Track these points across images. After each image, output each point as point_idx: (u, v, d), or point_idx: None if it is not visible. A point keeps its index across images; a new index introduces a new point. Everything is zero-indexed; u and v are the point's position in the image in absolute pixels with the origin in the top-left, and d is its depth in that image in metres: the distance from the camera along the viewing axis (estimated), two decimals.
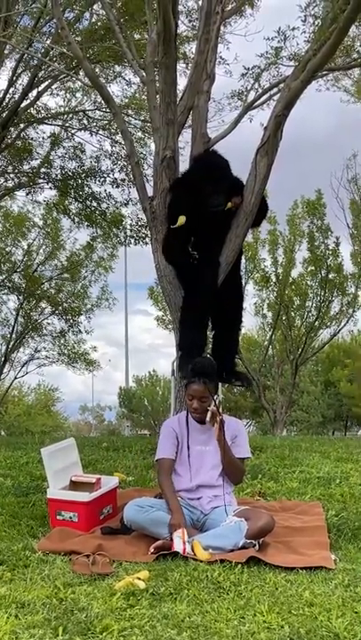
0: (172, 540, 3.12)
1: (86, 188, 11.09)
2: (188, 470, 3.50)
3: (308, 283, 15.78)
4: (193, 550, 3.04)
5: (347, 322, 16.05)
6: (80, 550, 3.05)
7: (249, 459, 3.92)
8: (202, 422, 3.52)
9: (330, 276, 15.36)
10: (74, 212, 11.83)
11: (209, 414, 3.40)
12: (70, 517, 3.51)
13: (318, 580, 2.72)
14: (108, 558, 2.99)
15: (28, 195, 12.07)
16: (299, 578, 2.75)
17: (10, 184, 11.92)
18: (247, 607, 2.42)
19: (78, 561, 2.96)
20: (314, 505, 4.00)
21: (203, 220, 4.39)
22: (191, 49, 8.24)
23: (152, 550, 3.11)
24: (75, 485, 3.73)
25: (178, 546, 3.04)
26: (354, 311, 15.83)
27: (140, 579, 2.66)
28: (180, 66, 8.08)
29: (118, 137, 10.16)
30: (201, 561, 2.94)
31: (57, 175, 11.24)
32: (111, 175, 10.74)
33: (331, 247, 15.41)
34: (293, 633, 2.20)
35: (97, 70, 9.34)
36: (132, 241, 11.27)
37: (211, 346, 4.69)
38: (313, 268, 15.56)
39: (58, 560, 3.00)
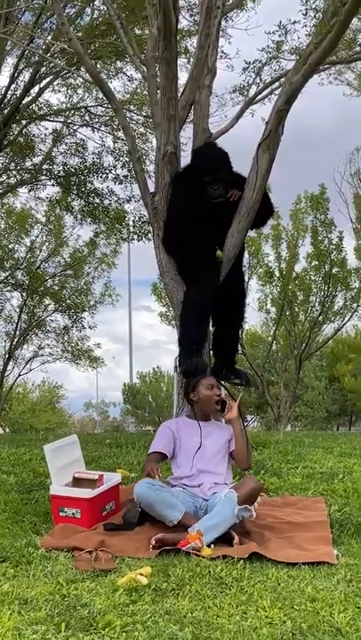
0: (177, 526, 3.18)
1: (89, 185, 11.07)
2: (190, 459, 3.62)
3: (312, 277, 15.73)
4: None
5: (351, 316, 16.01)
6: (83, 546, 3.06)
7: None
8: (207, 416, 3.81)
9: (333, 270, 15.30)
10: (76, 208, 11.81)
11: (229, 400, 3.75)
12: (73, 514, 3.52)
13: (321, 576, 2.72)
14: (111, 554, 3.00)
15: (30, 191, 12.06)
16: (301, 573, 2.75)
17: (12, 181, 11.90)
18: (249, 602, 2.43)
19: (81, 557, 2.97)
20: (317, 500, 4.00)
21: (204, 214, 4.38)
22: (192, 43, 8.21)
23: (153, 543, 3.11)
24: (77, 482, 3.73)
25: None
26: (358, 306, 15.78)
27: (142, 575, 2.67)
28: (182, 61, 8.05)
29: (120, 133, 10.12)
30: (203, 557, 2.94)
31: (59, 172, 11.21)
32: (113, 171, 10.72)
33: (334, 242, 15.36)
34: (295, 628, 2.20)
35: (98, 66, 9.31)
36: (135, 237, 11.25)
37: (211, 342, 4.68)
38: (317, 262, 15.50)
39: (61, 556, 3.02)
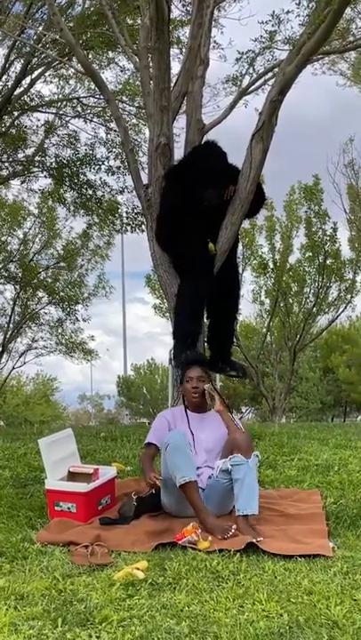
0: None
1: (81, 176, 11.00)
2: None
3: (306, 269, 15.69)
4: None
5: (345, 308, 15.98)
6: (79, 541, 3.06)
7: None
8: (198, 407, 3.79)
9: (328, 261, 15.28)
10: (69, 200, 11.75)
11: (207, 393, 3.74)
12: (68, 508, 3.51)
13: (317, 568, 2.72)
14: (107, 549, 2.99)
15: (22, 183, 12.02)
16: (297, 566, 2.75)
17: (4, 173, 11.83)
18: (246, 596, 2.42)
19: (77, 552, 2.96)
20: (312, 492, 4.00)
21: (198, 207, 4.36)
22: (185, 34, 8.15)
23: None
24: (73, 476, 3.73)
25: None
26: (352, 297, 15.77)
27: (138, 569, 2.66)
28: (174, 51, 7.99)
29: (113, 124, 10.07)
30: (200, 550, 2.94)
31: (52, 163, 11.14)
32: (106, 163, 10.67)
33: (328, 233, 15.33)
34: (292, 621, 2.20)
35: (90, 57, 9.24)
36: (129, 228, 11.22)
37: (206, 335, 4.67)
38: (311, 254, 15.47)
39: (56, 551, 3.01)
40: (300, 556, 2.86)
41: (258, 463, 3.46)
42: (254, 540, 2.99)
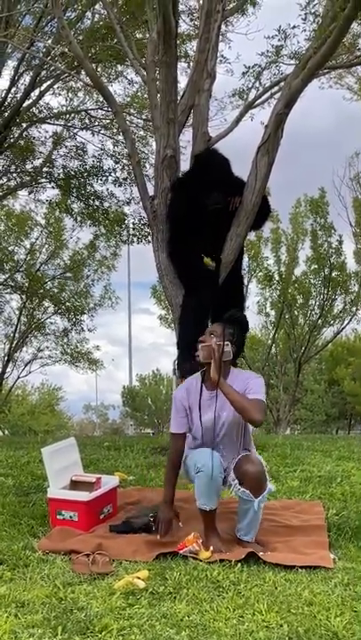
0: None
1: (88, 187, 11.09)
2: (201, 439, 3.32)
3: (312, 281, 15.76)
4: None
5: (350, 320, 16.03)
6: (80, 550, 3.06)
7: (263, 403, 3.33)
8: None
9: (333, 274, 15.33)
10: (76, 210, 11.83)
11: (201, 347, 3.17)
12: (70, 517, 3.51)
13: (318, 579, 2.72)
14: (108, 557, 2.99)
15: (30, 194, 12.08)
16: (298, 577, 2.75)
17: (12, 183, 11.93)
18: (246, 606, 2.42)
19: (78, 560, 2.97)
20: (314, 504, 3.99)
21: (204, 218, 4.40)
22: (192, 48, 8.24)
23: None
24: (75, 485, 3.73)
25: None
26: (357, 309, 15.80)
27: (139, 578, 2.67)
28: (182, 65, 8.08)
29: (120, 136, 10.16)
30: (200, 560, 2.94)
31: (59, 174, 11.24)
32: (113, 174, 10.75)
33: (334, 245, 15.39)
34: (292, 632, 2.20)
35: (98, 70, 9.34)
36: (135, 239, 11.27)
37: None
38: (316, 266, 15.54)
39: (58, 559, 3.01)
40: (301, 566, 2.86)
41: (270, 493, 3.26)
42: (259, 553, 2.99)
